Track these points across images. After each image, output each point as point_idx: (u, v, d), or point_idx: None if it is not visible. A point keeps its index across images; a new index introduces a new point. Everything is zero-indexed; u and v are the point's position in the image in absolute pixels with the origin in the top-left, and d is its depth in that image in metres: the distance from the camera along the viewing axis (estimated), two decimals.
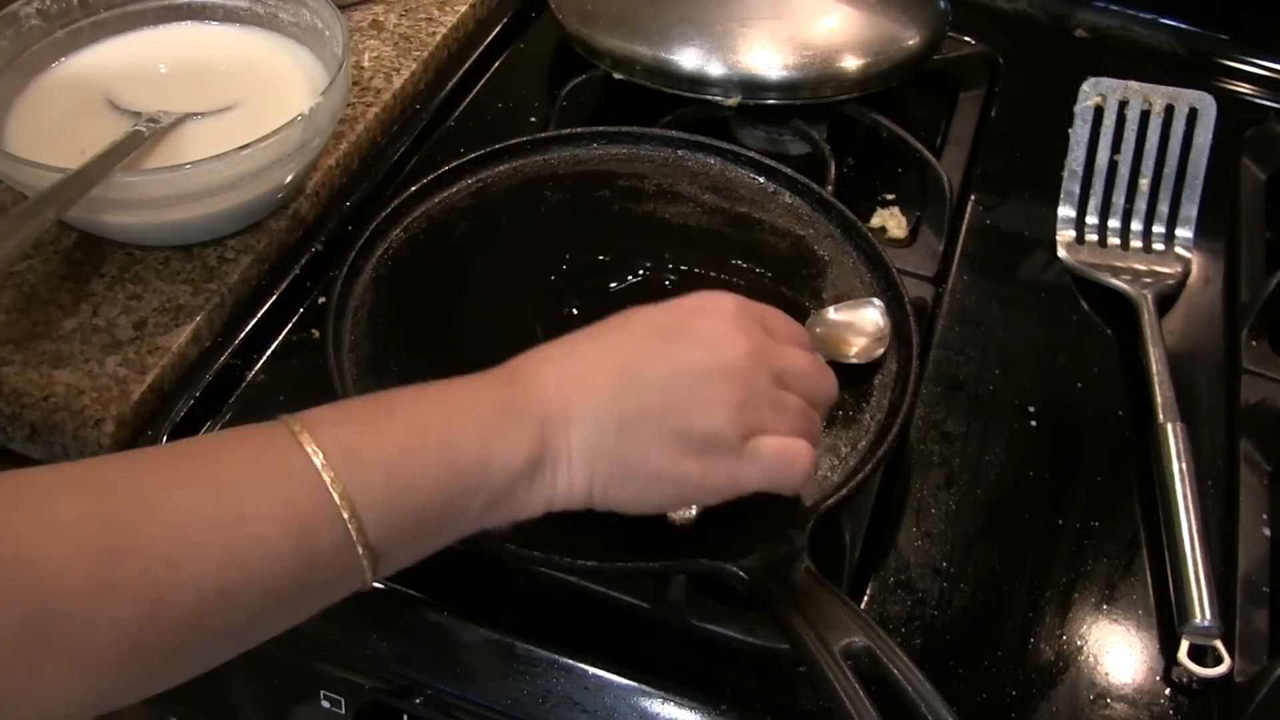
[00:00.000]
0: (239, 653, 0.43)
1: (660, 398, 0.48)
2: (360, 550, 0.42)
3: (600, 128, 0.76)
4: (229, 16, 0.79)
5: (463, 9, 0.91)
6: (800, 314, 0.65)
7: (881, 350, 0.64)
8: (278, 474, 0.42)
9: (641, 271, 0.67)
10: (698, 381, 0.48)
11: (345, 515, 0.42)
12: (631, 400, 0.48)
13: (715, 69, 0.79)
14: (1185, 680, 0.57)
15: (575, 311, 0.65)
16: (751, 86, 0.80)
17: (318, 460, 0.42)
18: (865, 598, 0.59)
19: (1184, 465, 0.63)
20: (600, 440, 0.47)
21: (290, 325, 0.70)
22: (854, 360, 0.63)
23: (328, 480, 0.42)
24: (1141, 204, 0.78)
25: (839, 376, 0.55)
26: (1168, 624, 0.58)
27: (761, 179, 0.74)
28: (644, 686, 0.55)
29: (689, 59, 0.80)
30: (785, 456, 0.50)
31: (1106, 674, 0.57)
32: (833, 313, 0.65)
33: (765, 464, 0.49)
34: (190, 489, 0.41)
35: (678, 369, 0.48)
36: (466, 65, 0.89)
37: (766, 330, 0.52)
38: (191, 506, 0.40)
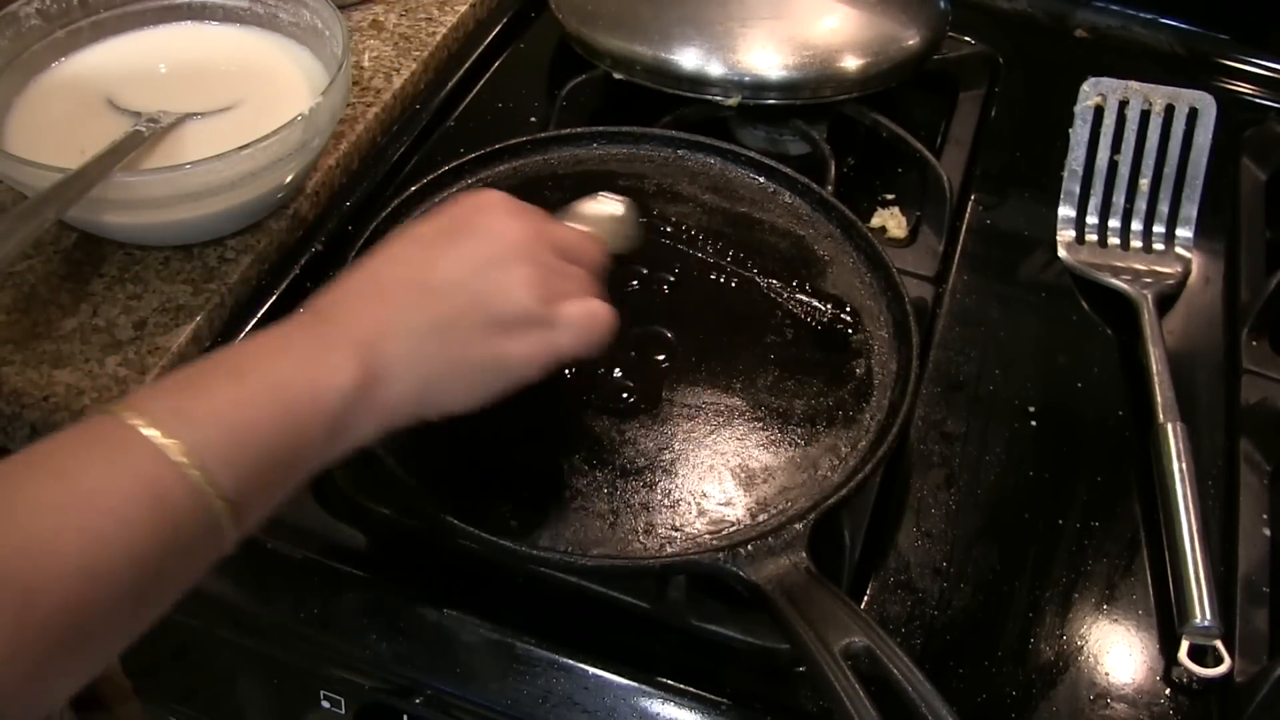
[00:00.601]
0: (132, 639, 0.42)
1: (465, 293, 0.50)
2: (218, 503, 0.42)
3: (600, 128, 0.76)
4: (229, 16, 0.79)
5: (463, 9, 0.91)
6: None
7: (629, 243, 0.63)
8: (116, 451, 0.42)
9: (641, 271, 0.67)
10: (494, 268, 0.51)
11: (193, 472, 0.42)
12: (439, 303, 0.50)
13: (715, 69, 0.79)
14: (1185, 680, 0.57)
15: None
16: (751, 86, 0.80)
17: (148, 429, 0.42)
18: (865, 598, 0.59)
19: (1184, 465, 0.63)
20: (419, 348, 0.49)
21: None
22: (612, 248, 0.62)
23: (167, 444, 0.42)
24: (1141, 204, 0.78)
25: None
26: (1168, 624, 0.58)
27: (761, 179, 0.74)
28: (644, 686, 0.55)
29: (689, 59, 0.80)
30: (590, 315, 0.53)
31: (1106, 674, 0.57)
32: (578, 207, 0.63)
33: (574, 326, 0.52)
34: (33, 481, 0.40)
35: (474, 262, 0.51)
36: (466, 65, 0.89)
37: (532, 213, 0.55)
38: (38, 497, 0.40)
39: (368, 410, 0.48)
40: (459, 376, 0.50)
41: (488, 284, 0.51)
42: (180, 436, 0.42)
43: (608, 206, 0.64)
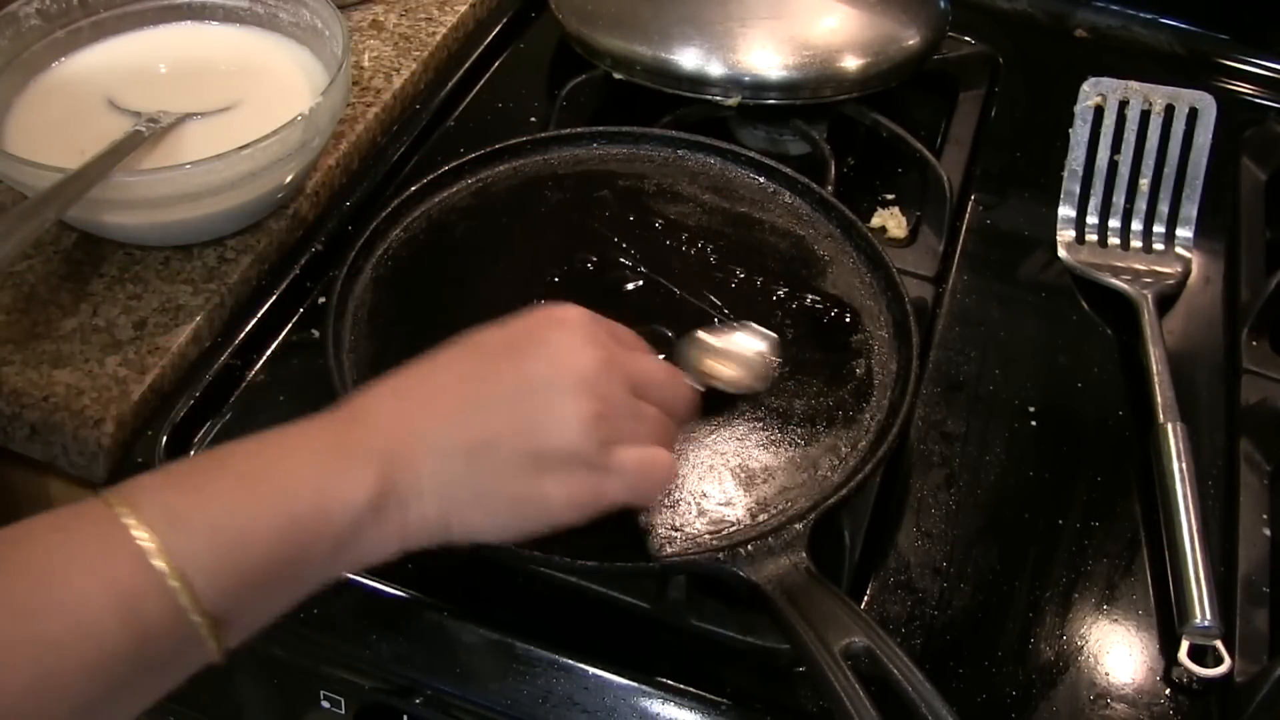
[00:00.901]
0: None
1: (509, 417, 0.46)
2: (196, 618, 0.39)
3: (600, 128, 0.76)
4: (229, 16, 0.79)
5: (463, 9, 0.91)
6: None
7: (760, 385, 0.59)
8: (95, 551, 0.39)
9: (641, 271, 0.67)
10: (548, 395, 0.46)
11: (173, 583, 0.39)
12: (478, 422, 0.46)
13: (715, 69, 0.79)
14: (1185, 680, 0.57)
15: None
16: (751, 86, 0.80)
17: (136, 530, 0.39)
18: (865, 598, 0.59)
19: (1184, 465, 0.63)
20: (449, 469, 0.45)
21: (290, 325, 0.70)
22: (723, 388, 0.58)
23: (149, 548, 0.39)
24: (1141, 204, 0.78)
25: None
26: (1168, 624, 0.58)
27: (761, 179, 0.74)
28: (644, 686, 0.55)
29: (689, 59, 0.80)
30: (649, 466, 0.48)
31: (1106, 674, 0.57)
32: (707, 335, 0.59)
33: (628, 475, 0.47)
34: (3, 575, 0.38)
35: (526, 384, 0.46)
36: (466, 65, 0.89)
37: (616, 340, 0.50)
38: (1, 596, 0.37)
39: (382, 529, 0.44)
40: (488, 508, 0.46)
41: (538, 412, 0.46)
42: (167, 541, 0.39)
43: (746, 342, 0.58)
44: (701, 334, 0.59)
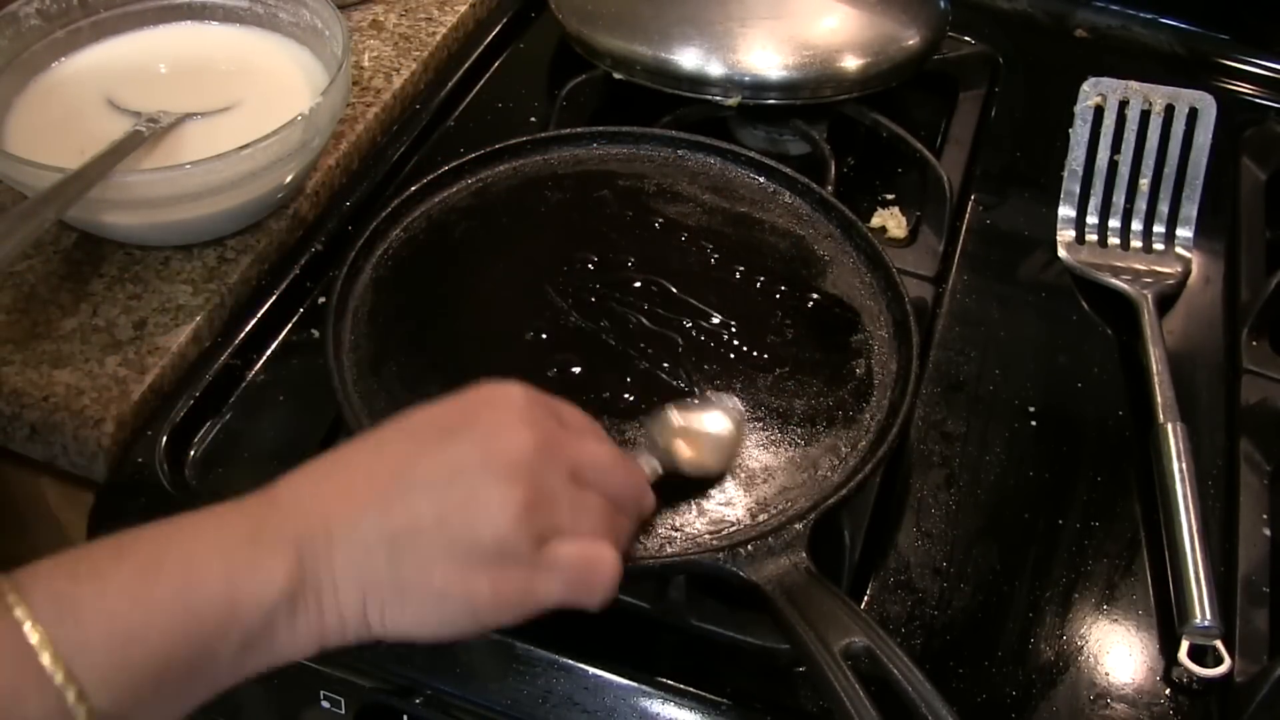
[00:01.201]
0: None
1: (435, 504, 0.42)
2: (83, 718, 0.36)
3: (600, 128, 0.75)
4: (229, 16, 0.79)
5: (463, 9, 0.92)
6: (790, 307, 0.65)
7: (721, 466, 0.56)
8: None
9: (641, 271, 0.67)
10: (478, 481, 0.42)
11: (57, 681, 0.36)
12: (402, 510, 0.42)
13: (715, 69, 0.79)
14: (1185, 680, 0.57)
15: (575, 312, 0.65)
16: (751, 86, 0.80)
17: (24, 621, 0.36)
18: (865, 598, 0.59)
19: (1184, 465, 0.63)
20: (368, 561, 0.41)
21: (290, 325, 0.70)
22: (687, 472, 0.55)
23: (34, 641, 0.36)
24: (1141, 204, 0.78)
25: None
26: (1168, 624, 0.58)
27: (761, 179, 0.74)
28: (644, 686, 0.55)
29: (689, 59, 0.80)
30: (586, 563, 0.44)
31: (1106, 674, 0.57)
32: (672, 412, 0.56)
33: (564, 573, 0.44)
34: None
35: (453, 469, 0.43)
36: (466, 65, 0.89)
37: (560, 422, 0.47)
38: None
39: (297, 626, 0.41)
40: (411, 603, 0.42)
41: (467, 499, 0.42)
42: (56, 634, 0.36)
43: (712, 422, 0.54)
44: (671, 411, 0.56)
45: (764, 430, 0.60)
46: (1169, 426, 0.64)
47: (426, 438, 0.44)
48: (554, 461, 0.44)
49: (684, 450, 0.54)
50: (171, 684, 0.39)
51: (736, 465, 0.57)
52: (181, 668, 0.39)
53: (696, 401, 0.58)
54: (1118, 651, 0.58)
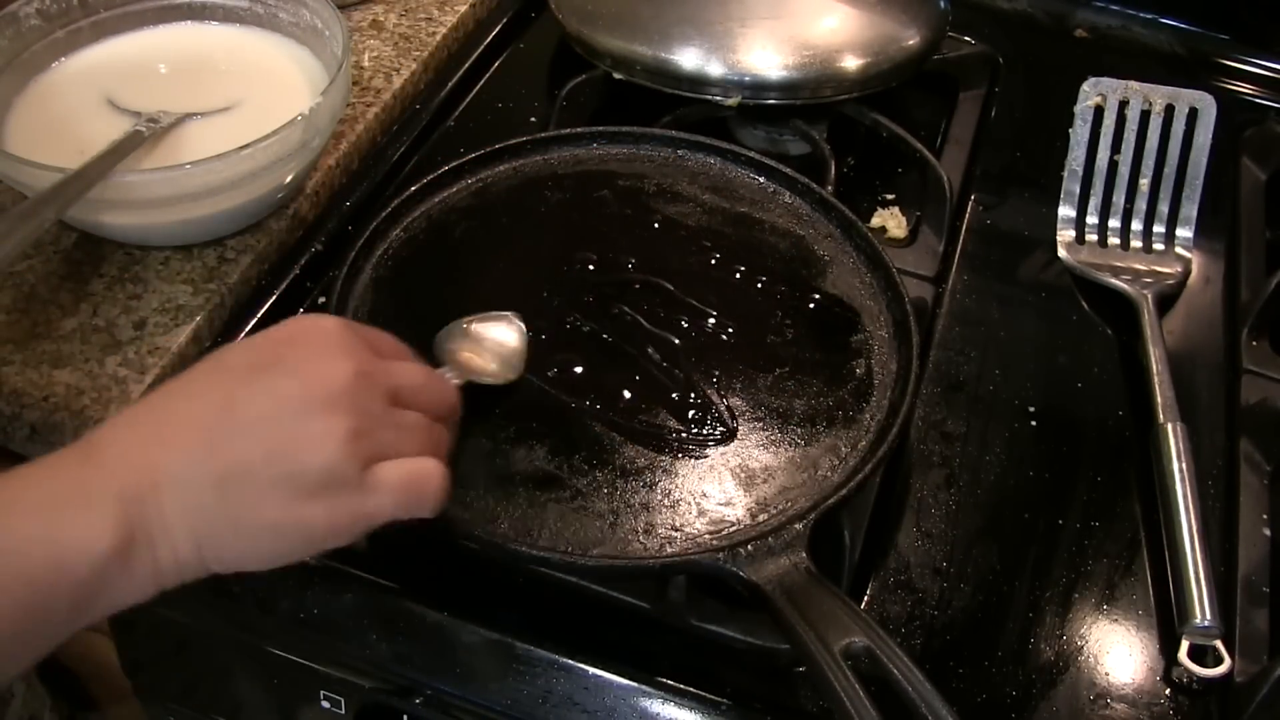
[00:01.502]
0: None
1: (260, 441, 0.43)
2: None
3: (600, 128, 0.76)
4: (229, 16, 0.79)
5: (463, 9, 0.92)
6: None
7: (513, 375, 0.60)
8: None
9: (641, 271, 0.67)
10: (301, 414, 0.43)
11: None
12: (227, 450, 0.43)
13: (715, 69, 0.79)
14: (1185, 680, 0.57)
15: (575, 312, 0.65)
16: (751, 86, 0.80)
17: None
18: (865, 598, 0.59)
19: (1184, 465, 0.63)
20: (199, 502, 0.42)
21: None
22: (481, 380, 0.58)
23: None
24: (1141, 204, 0.78)
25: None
26: (1168, 624, 0.58)
27: (761, 179, 0.74)
28: (644, 686, 0.55)
29: (689, 59, 0.80)
30: (415, 479, 0.46)
31: (1106, 674, 0.57)
32: (460, 325, 0.60)
33: (394, 491, 0.45)
34: None
35: (276, 405, 0.43)
36: (466, 65, 0.89)
37: (373, 349, 0.48)
38: None
39: (133, 575, 0.41)
40: (246, 539, 0.44)
41: (292, 433, 0.43)
42: None
43: (500, 333, 0.58)
44: (459, 324, 0.59)
45: (764, 430, 0.60)
46: (1169, 426, 0.64)
47: (245, 376, 0.45)
48: (372, 387, 0.46)
49: (474, 360, 0.58)
50: (5, 646, 0.40)
51: (521, 370, 0.60)
52: (17, 628, 0.39)
53: (481, 315, 0.61)
54: (1118, 651, 0.58)
